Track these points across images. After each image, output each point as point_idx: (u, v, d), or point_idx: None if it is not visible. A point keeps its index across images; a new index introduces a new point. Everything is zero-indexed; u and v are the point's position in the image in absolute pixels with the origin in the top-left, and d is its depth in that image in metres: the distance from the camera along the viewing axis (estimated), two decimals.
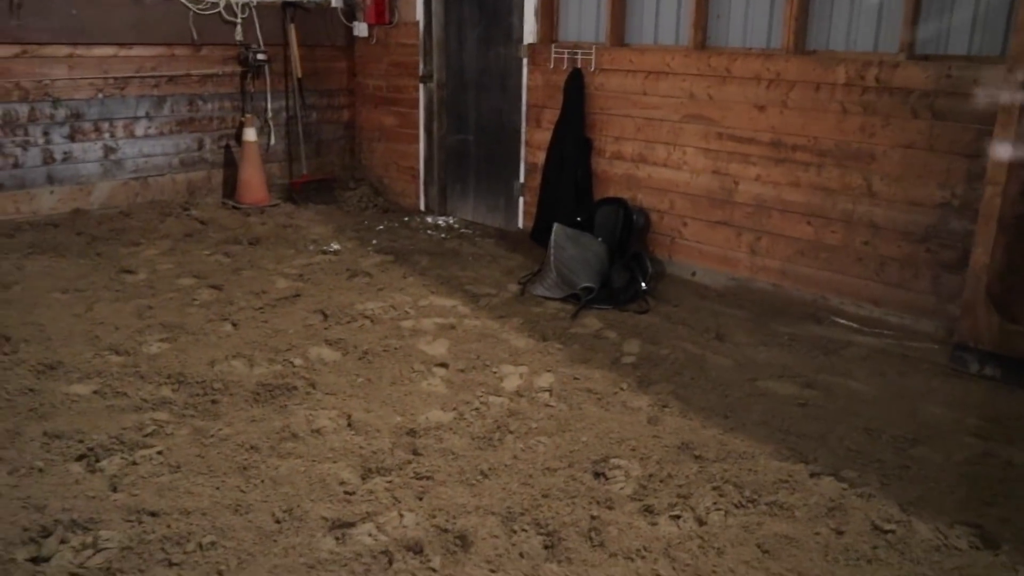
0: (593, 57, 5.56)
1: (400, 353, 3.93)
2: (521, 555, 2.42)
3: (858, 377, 3.85)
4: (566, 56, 5.72)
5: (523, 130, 6.15)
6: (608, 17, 5.53)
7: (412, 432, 3.16)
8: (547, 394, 3.54)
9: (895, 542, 2.57)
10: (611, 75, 5.51)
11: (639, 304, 4.73)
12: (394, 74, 7.10)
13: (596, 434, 3.19)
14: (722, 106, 4.96)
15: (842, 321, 4.55)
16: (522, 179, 6.23)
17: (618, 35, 5.55)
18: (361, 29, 7.27)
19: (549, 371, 3.77)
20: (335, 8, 7.31)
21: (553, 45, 5.85)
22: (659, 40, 5.41)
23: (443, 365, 3.80)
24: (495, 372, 3.75)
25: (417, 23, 6.74)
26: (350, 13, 7.35)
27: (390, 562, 2.36)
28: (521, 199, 6.28)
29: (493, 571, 2.34)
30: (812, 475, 2.94)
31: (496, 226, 6.50)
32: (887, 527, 2.64)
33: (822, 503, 2.77)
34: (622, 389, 3.62)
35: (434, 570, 2.34)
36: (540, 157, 5.93)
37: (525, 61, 6.03)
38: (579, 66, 5.63)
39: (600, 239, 5.04)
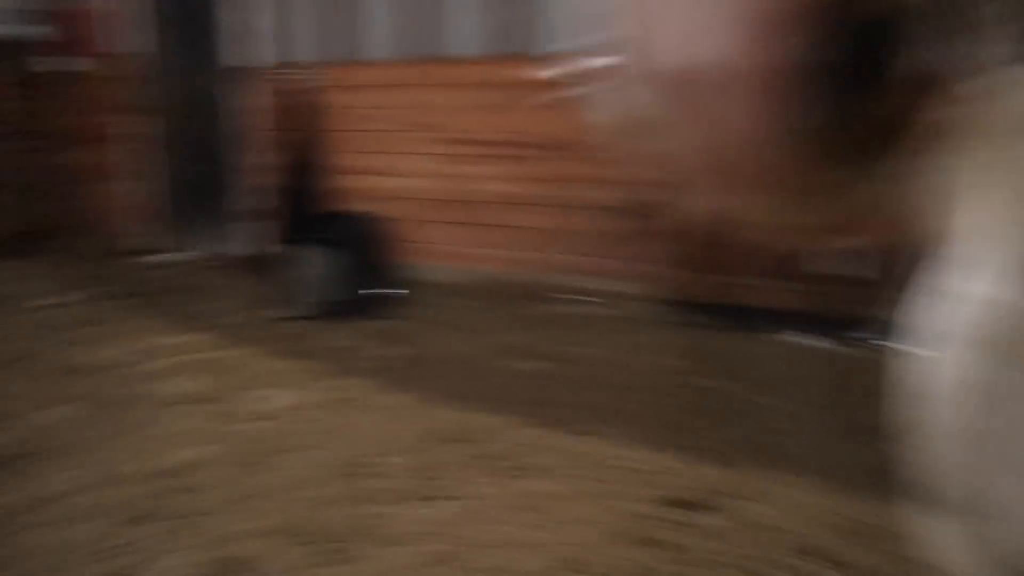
0: (323, 76, 5.61)
1: (150, 397, 3.77)
2: (305, 567, 2.47)
3: (592, 343, 4.27)
4: (296, 77, 5.72)
5: (252, 154, 6.06)
6: (335, 36, 5.61)
7: (174, 472, 3.07)
8: (309, 409, 3.58)
9: (634, 472, 2.94)
10: (343, 92, 5.60)
11: (390, 310, 4.87)
12: (111, 109, 6.69)
13: (365, 438, 3.29)
14: (454, 112, 5.25)
15: (576, 297, 5.00)
16: (255, 203, 6.14)
17: (346, 53, 5.64)
18: (71, 63, 6.74)
19: (308, 387, 3.81)
20: (40, 42, 6.72)
21: (281, 67, 5.82)
22: (387, 55, 5.56)
23: (199, 401, 3.71)
24: (254, 397, 3.72)
25: (132, 54, 6.40)
26: (58, 46, 6.79)
27: None
28: (256, 224, 6.18)
29: None
30: (567, 435, 3.26)
31: (233, 254, 6.35)
32: (626, 464, 3.00)
33: (576, 457, 3.08)
34: (383, 392, 3.74)
35: None
36: (274, 179, 5.89)
37: (252, 84, 5.95)
38: (310, 86, 5.66)
39: (345, 252, 5.13)
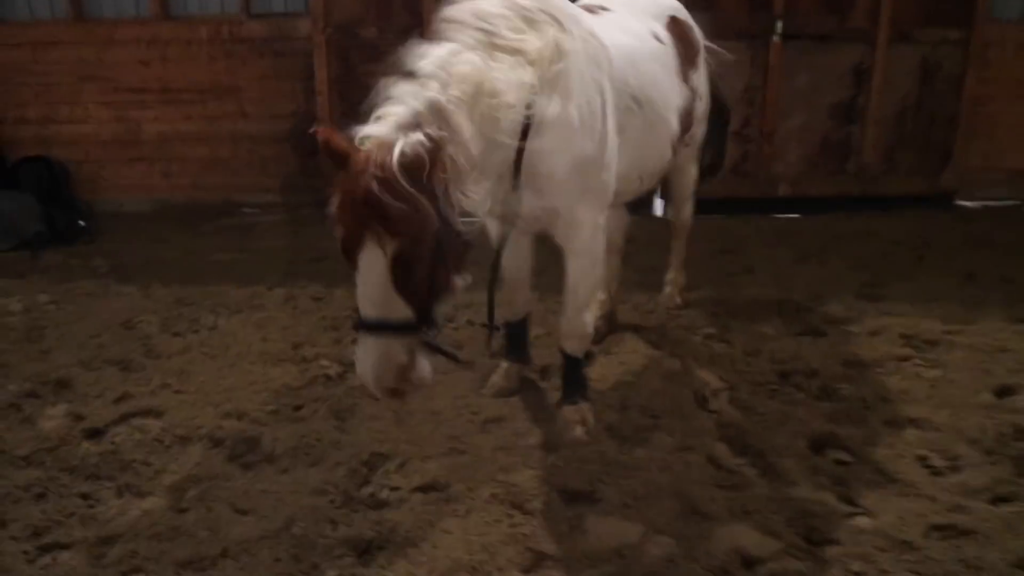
0: None
1: None
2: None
3: (273, 241, 5.66)
4: None
5: None
6: None
7: None
8: (64, 304, 4.61)
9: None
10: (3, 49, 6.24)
11: (86, 236, 5.84)
12: None
13: (114, 313, 4.44)
14: (112, 65, 6.18)
15: (248, 210, 6.36)
16: None
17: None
18: None
19: (47, 292, 4.77)
20: None
21: None
22: (38, 15, 6.30)
23: None
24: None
25: None
26: None
27: None
28: None
29: None
30: (261, 291, 4.75)
31: None
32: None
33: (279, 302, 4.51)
34: (112, 288, 4.84)
35: None
36: None
37: None
38: None
39: (29, 192, 5.92)
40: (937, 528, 2.54)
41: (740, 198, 6.16)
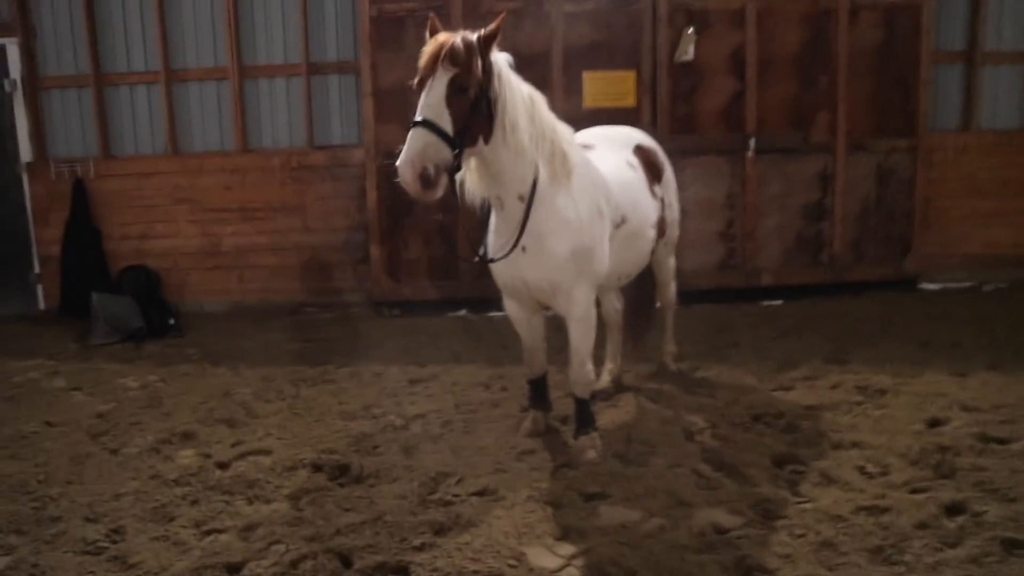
0: (91, 168, 7.56)
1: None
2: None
3: (334, 333, 6.80)
4: (65, 169, 7.57)
5: (32, 230, 7.78)
6: (97, 137, 7.60)
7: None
8: (162, 383, 5.61)
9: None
10: (108, 179, 7.57)
11: (174, 332, 7.00)
12: None
13: (212, 388, 5.48)
14: (201, 191, 7.51)
15: (310, 309, 7.54)
16: (37, 270, 7.84)
17: (107, 150, 7.64)
18: None
19: (154, 373, 5.81)
20: None
21: (52, 161, 7.62)
22: (141, 150, 7.67)
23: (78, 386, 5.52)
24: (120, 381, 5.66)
25: None
26: None
27: None
28: (39, 286, 7.85)
29: None
30: (326, 372, 5.68)
31: (15, 314, 7.63)
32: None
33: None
34: (205, 370, 5.92)
35: None
36: (54, 250, 7.64)
37: (25, 175, 7.69)
38: (79, 174, 7.55)
39: (129, 295, 7.09)
40: (863, 507, 3.41)
41: (728, 287, 7.20)
